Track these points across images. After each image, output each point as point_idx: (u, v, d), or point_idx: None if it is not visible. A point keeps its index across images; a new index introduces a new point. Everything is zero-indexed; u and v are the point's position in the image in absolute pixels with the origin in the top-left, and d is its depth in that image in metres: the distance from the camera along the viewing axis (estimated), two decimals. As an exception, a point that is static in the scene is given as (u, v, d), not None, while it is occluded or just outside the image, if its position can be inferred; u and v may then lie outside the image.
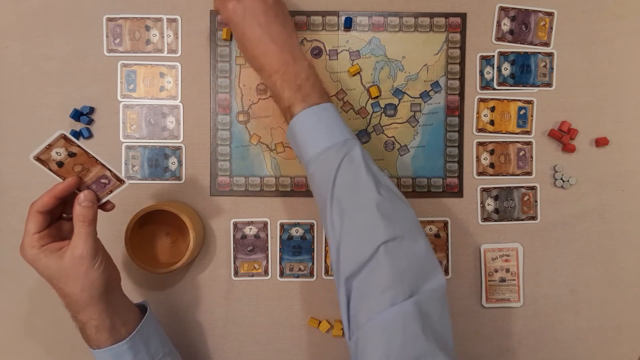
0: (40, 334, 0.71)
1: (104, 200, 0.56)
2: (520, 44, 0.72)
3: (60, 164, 0.54)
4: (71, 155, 0.54)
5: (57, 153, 0.53)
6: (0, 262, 0.71)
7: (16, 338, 0.71)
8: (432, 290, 0.48)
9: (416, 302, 0.46)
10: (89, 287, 0.52)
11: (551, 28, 0.71)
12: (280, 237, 0.71)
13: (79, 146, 0.53)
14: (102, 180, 0.55)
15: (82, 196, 0.53)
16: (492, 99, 0.72)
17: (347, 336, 0.50)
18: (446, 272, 0.72)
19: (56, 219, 0.55)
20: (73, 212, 0.53)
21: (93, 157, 0.54)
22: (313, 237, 0.72)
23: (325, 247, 0.72)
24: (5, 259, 0.71)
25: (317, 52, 0.71)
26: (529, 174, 0.72)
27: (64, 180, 0.54)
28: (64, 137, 0.53)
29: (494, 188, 0.72)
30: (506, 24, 0.72)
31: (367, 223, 0.50)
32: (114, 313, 0.55)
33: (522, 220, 0.72)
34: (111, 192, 0.56)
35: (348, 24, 0.70)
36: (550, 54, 0.72)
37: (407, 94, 0.72)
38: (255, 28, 0.57)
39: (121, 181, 0.56)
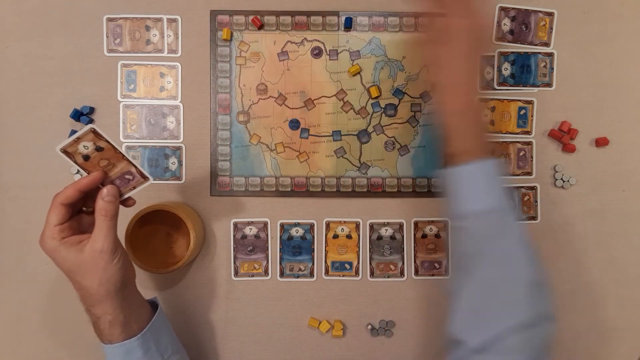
0: (41, 333, 0.71)
1: (126, 196, 0.56)
2: (521, 44, 0.72)
3: (86, 157, 0.54)
4: (98, 149, 0.54)
5: (84, 147, 0.53)
6: (0, 262, 0.71)
7: (16, 338, 0.71)
8: None
9: None
10: (106, 281, 0.52)
11: (551, 28, 0.71)
12: (280, 237, 0.71)
13: (107, 141, 0.53)
14: (127, 176, 0.55)
15: (105, 191, 0.53)
16: (492, 99, 0.72)
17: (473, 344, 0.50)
18: (446, 272, 0.72)
19: (76, 212, 0.55)
20: (95, 206, 0.53)
21: (120, 152, 0.54)
22: (313, 237, 0.72)
23: (325, 247, 0.72)
24: (5, 259, 0.71)
25: (317, 52, 0.71)
26: (529, 174, 0.72)
27: (88, 174, 0.54)
28: (94, 131, 0.52)
29: (494, 188, 0.72)
30: (506, 24, 0.72)
31: (511, 299, 0.50)
32: (128, 308, 0.55)
33: (522, 220, 0.72)
34: (134, 188, 0.56)
35: (348, 24, 0.70)
36: (550, 54, 0.72)
37: (408, 94, 0.72)
38: (455, 73, 0.56)
39: (145, 178, 0.56)
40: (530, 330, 0.49)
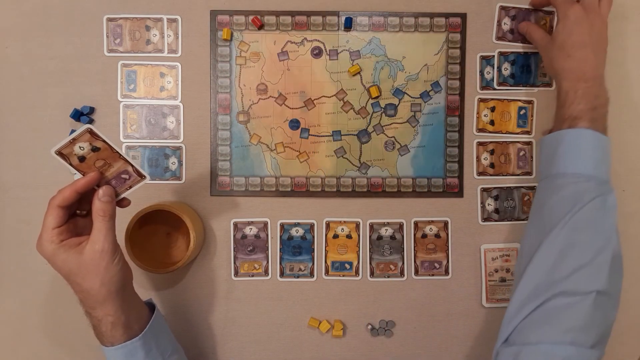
0: (40, 334, 0.71)
1: (122, 196, 0.56)
2: (521, 43, 0.72)
3: (82, 158, 0.53)
4: (94, 149, 0.53)
5: (80, 147, 0.53)
6: (0, 262, 0.71)
7: (16, 338, 0.71)
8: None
9: (598, 357, 0.49)
10: (108, 282, 0.52)
11: (552, 27, 0.71)
12: (280, 237, 0.71)
13: (104, 141, 0.53)
14: (123, 176, 0.55)
15: (102, 191, 0.53)
16: (492, 99, 0.72)
17: (503, 337, 0.52)
18: (446, 272, 0.72)
19: (71, 215, 0.55)
20: (92, 207, 0.53)
21: (117, 152, 0.54)
22: (313, 237, 0.72)
23: (325, 247, 0.72)
24: (5, 259, 0.71)
25: (317, 52, 0.71)
26: (529, 174, 0.72)
27: (83, 175, 0.53)
28: (90, 131, 0.52)
29: (494, 188, 0.72)
30: (506, 24, 0.72)
31: (594, 265, 0.51)
32: (129, 309, 0.55)
33: (523, 220, 0.72)
34: (130, 187, 0.56)
35: (348, 24, 0.70)
36: (550, 54, 0.72)
37: (408, 94, 0.72)
38: (586, 35, 0.59)
39: (142, 176, 0.56)
40: (602, 302, 0.50)
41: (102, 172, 0.54)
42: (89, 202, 0.53)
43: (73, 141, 0.52)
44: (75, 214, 0.56)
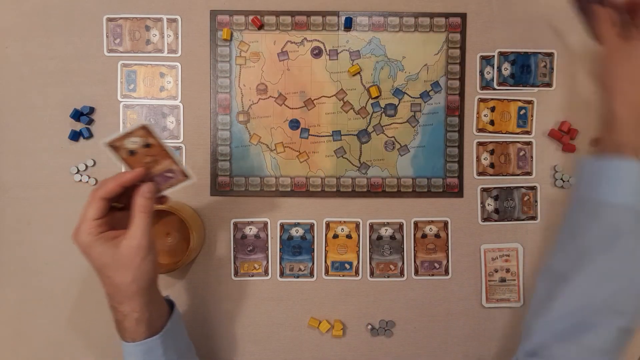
0: (41, 334, 0.71)
1: (162, 193, 0.56)
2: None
3: (132, 152, 0.53)
4: (146, 146, 0.53)
5: (132, 142, 0.53)
6: (0, 262, 0.71)
7: (16, 338, 0.71)
8: None
9: None
10: (139, 278, 0.52)
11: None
12: (280, 237, 0.72)
13: (157, 139, 0.53)
14: (167, 174, 0.55)
15: (146, 188, 0.53)
16: (492, 99, 0.72)
17: (528, 348, 0.54)
18: (446, 272, 0.72)
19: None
20: (134, 202, 0.52)
21: (166, 150, 0.54)
22: (313, 237, 0.72)
23: (325, 247, 0.72)
24: (5, 259, 0.71)
25: (317, 52, 0.71)
26: (529, 174, 0.72)
27: (131, 169, 0.54)
28: (144, 127, 0.52)
29: (494, 188, 0.72)
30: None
31: (631, 293, 0.52)
32: (152, 306, 0.55)
33: (522, 220, 0.72)
34: (172, 186, 0.56)
35: (348, 24, 0.70)
36: (550, 54, 0.72)
37: (407, 94, 0.72)
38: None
39: (186, 177, 0.56)
40: (628, 334, 0.52)
41: (147, 168, 0.54)
42: (127, 196, 0.53)
43: (126, 135, 0.52)
44: (113, 207, 0.55)
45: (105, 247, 0.51)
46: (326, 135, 0.71)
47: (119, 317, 0.54)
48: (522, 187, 0.72)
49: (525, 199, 0.72)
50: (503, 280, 0.72)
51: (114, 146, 0.53)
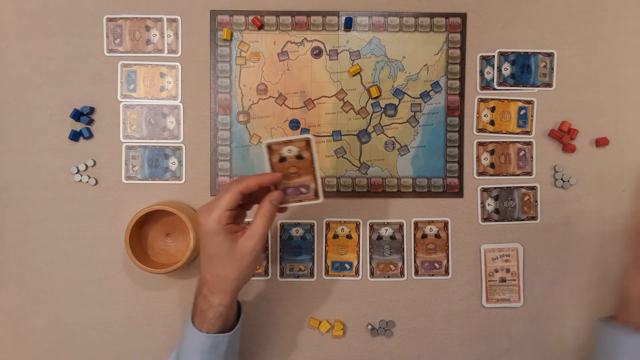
0: (41, 334, 0.71)
1: (288, 205, 0.58)
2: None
3: (282, 159, 0.55)
4: (298, 157, 0.55)
5: (288, 150, 0.55)
6: (0, 262, 0.71)
7: (16, 338, 0.71)
8: None
9: None
10: (242, 276, 0.54)
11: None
12: (281, 237, 0.71)
13: (312, 155, 0.55)
14: (301, 189, 0.57)
15: (276, 195, 0.55)
16: (492, 99, 0.72)
17: None
18: (446, 272, 0.72)
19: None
20: (261, 205, 0.55)
21: (313, 167, 0.56)
22: (313, 237, 0.72)
23: (325, 247, 0.72)
24: (5, 259, 0.71)
25: (318, 52, 0.71)
26: (529, 174, 0.72)
27: (272, 173, 0.56)
28: (307, 140, 0.54)
29: (494, 188, 0.72)
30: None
31: None
32: (234, 305, 0.58)
33: (522, 220, 0.72)
34: (300, 201, 0.57)
35: (348, 24, 0.70)
36: (550, 54, 0.72)
37: (408, 94, 0.72)
38: None
39: (317, 197, 0.57)
40: None
41: (288, 177, 0.56)
42: (254, 197, 0.56)
43: (287, 142, 0.54)
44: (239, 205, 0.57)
45: (225, 239, 0.53)
46: (326, 135, 0.71)
47: (204, 306, 0.55)
48: (522, 187, 0.72)
49: (526, 199, 0.72)
50: (503, 280, 0.72)
51: (271, 148, 0.55)
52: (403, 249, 0.72)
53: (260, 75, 0.71)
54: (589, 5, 0.72)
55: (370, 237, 0.72)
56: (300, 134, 0.71)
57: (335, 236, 0.72)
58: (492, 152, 0.72)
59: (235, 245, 0.53)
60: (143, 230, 0.70)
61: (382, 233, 0.72)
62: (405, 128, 0.72)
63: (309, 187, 0.57)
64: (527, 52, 0.72)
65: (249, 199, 0.56)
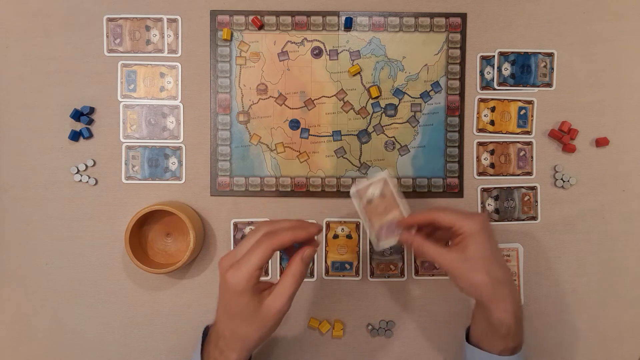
0: (41, 334, 0.71)
1: (383, 247, 0.59)
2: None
3: (369, 201, 0.58)
4: (382, 196, 0.58)
5: (372, 192, 0.58)
6: (0, 262, 0.71)
7: (17, 338, 0.71)
8: None
9: None
10: (264, 337, 0.51)
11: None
12: (281, 237, 0.71)
13: (392, 191, 0.57)
14: (393, 226, 0.58)
15: (309, 252, 0.51)
16: (492, 99, 0.72)
17: None
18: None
19: None
20: (292, 262, 0.51)
21: (397, 201, 0.58)
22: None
23: (325, 247, 0.72)
24: (5, 259, 0.71)
25: (318, 52, 0.71)
26: (529, 174, 0.72)
27: (368, 219, 0.58)
28: (385, 180, 0.57)
29: (495, 188, 0.72)
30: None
31: None
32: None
33: (522, 220, 0.72)
34: (394, 237, 0.58)
35: (348, 24, 0.70)
36: (550, 54, 0.72)
37: (408, 94, 0.72)
38: None
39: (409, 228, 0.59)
40: None
41: (379, 216, 0.58)
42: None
43: (369, 185, 0.58)
44: None
45: (251, 300, 0.49)
46: (326, 135, 0.71)
47: (220, 359, 0.52)
48: (522, 187, 0.72)
49: (526, 199, 0.72)
50: (503, 280, 0.72)
51: (360, 194, 0.58)
52: (403, 248, 0.72)
53: (260, 75, 0.71)
54: (589, 5, 0.72)
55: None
56: (301, 134, 0.71)
57: (335, 236, 0.72)
58: (492, 152, 0.72)
59: (260, 306, 0.49)
60: (143, 230, 0.70)
61: (382, 233, 0.72)
62: (405, 128, 0.72)
63: (398, 222, 0.58)
64: (527, 52, 0.72)
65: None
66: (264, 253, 0.48)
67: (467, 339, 0.62)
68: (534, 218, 0.72)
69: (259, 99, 0.71)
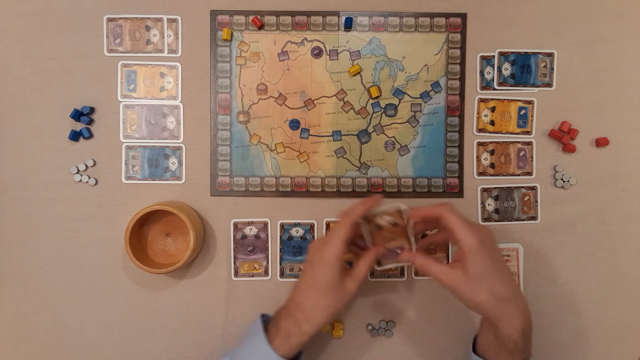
0: (41, 334, 0.71)
1: (383, 268, 0.61)
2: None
3: (378, 227, 0.60)
4: (394, 224, 0.59)
5: (384, 219, 0.59)
6: (0, 262, 0.71)
7: (17, 338, 0.71)
8: None
9: None
10: (337, 313, 0.57)
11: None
12: (281, 237, 0.71)
13: (406, 224, 0.58)
14: (397, 250, 0.60)
15: (381, 250, 0.60)
16: (492, 99, 0.72)
17: None
18: (446, 272, 0.72)
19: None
20: (368, 252, 0.59)
21: (407, 233, 0.59)
22: (313, 237, 0.71)
23: (325, 247, 0.72)
24: (5, 259, 0.71)
25: (318, 52, 0.71)
26: (529, 174, 0.72)
27: (372, 244, 0.61)
28: (400, 211, 0.58)
29: (495, 188, 0.72)
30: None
31: None
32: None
33: (522, 220, 0.72)
34: (398, 262, 0.60)
35: (348, 24, 0.70)
36: (550, 54, 0.72)
37: (408, 94, 0.72)
38: None
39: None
40: None
41: (385, 242, 0.60)
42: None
43: (382, 213, 0.59)
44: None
45: (338, 273, 0.56)
46: (326, 135, 0.71)
47: (292, 330, 0.57)
48: (522, 187, 0.72)
49: (526, 199, 0.72)
50: (503, 280, 0.72)
51: (369, 219, 0.59)
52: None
53: (260, 75, 0.71)
54: (589, 5, 0.72)
55: (370, 237, 0.72)
56: (301, 134, 0.71)
57: (335, 236, 0.72)
58: (492, 152, 0.72)
59: (342, 282, 0.56)
60: (143, 230, 0.70)
61: (382, 233, 0.72)
62: (406, 128, 0.72)
63: (403, 249, 0.60)
64: (527, 52, 0.72)
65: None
66: (345, 227, 0.56)
67: (474, 349, 0.61)
68: (534, 218, 0.72)
69: (259, 99, 0.71)
